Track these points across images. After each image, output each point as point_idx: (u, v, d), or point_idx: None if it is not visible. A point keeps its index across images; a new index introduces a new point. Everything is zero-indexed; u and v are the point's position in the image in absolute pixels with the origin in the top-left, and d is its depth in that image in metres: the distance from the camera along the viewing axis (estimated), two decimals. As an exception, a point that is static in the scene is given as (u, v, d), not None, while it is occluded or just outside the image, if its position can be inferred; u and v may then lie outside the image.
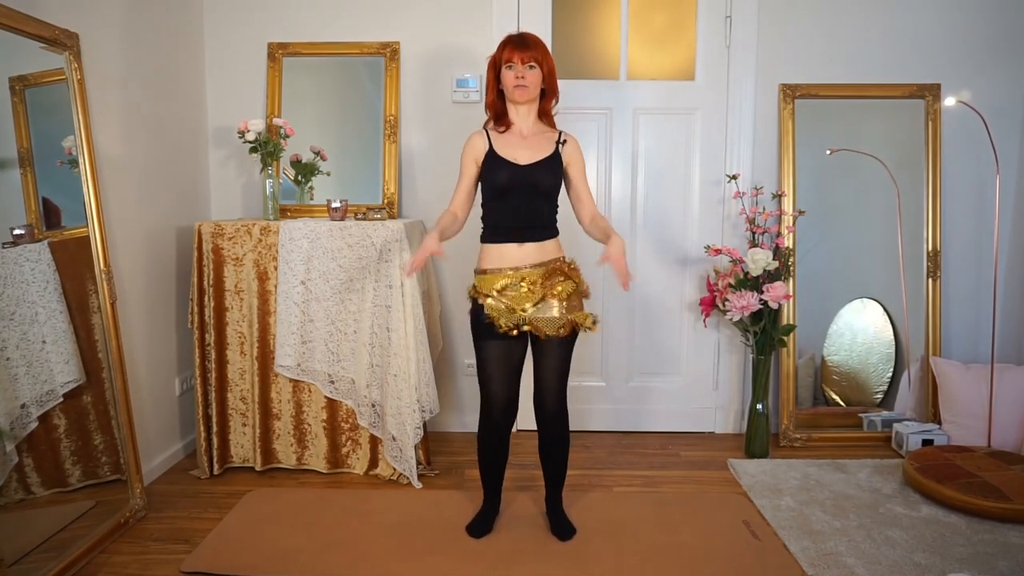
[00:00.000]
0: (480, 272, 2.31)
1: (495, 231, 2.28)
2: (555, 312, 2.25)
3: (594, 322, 2.31)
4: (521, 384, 2.37)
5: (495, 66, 2.26)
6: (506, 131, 2.30)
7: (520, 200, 2.25)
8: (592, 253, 3.34)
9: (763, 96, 3.28)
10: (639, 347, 3.42)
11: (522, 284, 2.24)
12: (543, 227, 2.29)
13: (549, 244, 2.29)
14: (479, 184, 2.34)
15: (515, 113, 2.30)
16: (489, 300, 2.25)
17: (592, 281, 3.30)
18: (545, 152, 2.28)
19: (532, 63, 2.21)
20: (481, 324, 2.26)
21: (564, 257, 2.32)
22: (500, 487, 2.49)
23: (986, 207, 3.27)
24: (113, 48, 2.64)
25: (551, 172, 2.27)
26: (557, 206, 2.34)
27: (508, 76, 2.22)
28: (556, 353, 2.28)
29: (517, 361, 2.31)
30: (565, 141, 2.33)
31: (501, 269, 2.26)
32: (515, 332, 2.23)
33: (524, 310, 2.23)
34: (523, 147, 2.27)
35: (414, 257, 2.13)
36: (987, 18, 3.24)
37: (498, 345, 2.26)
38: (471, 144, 2.31)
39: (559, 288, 2.25)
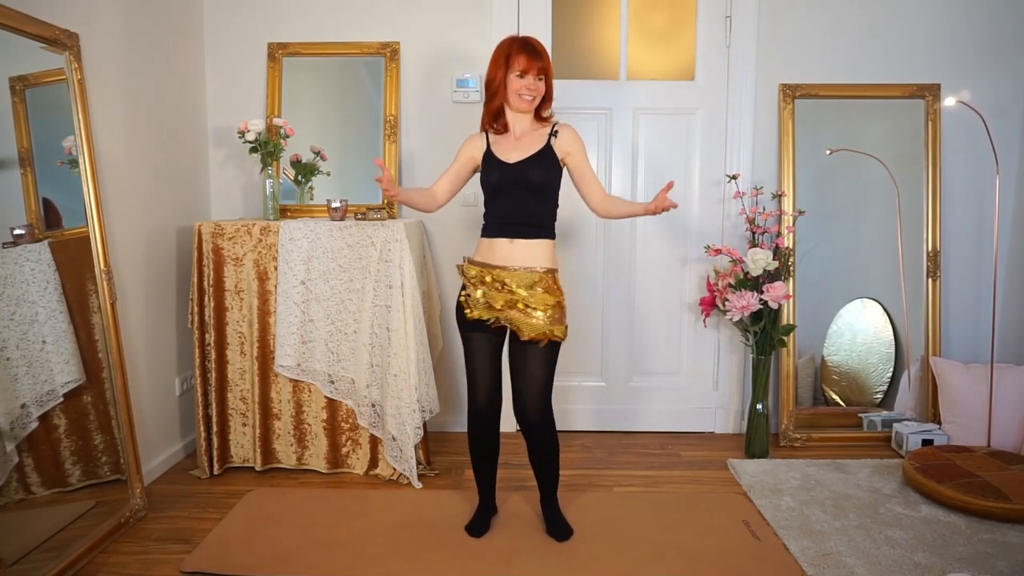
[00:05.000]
0: (470, 261, 2.34)
1: (490, 227, 2.32)
2: (535, 320, 2.22)
3: (564, 330, 2.28)
4: (506, 386, 2.37)
5: (503, 67, 2.26)
6: (503, 132, 2.34)
7: (511, 198, 2.27)
8: (592, 252, 3.35)
9: (763, 96, 3.28)
10: (639, 347, 3.42)
11: (504, 286, 2.23)
12: (535, 226, 2.28)
13: (540, 245, 2.28)
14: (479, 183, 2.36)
15: (512, 116, 2.33)
16: (473, 290, 2.27)
17: (592, 280, 3.34)
18: (535, 148, 2.29)
19: (542, 75, 2.26)
20: (463, 314, 2.30)
21: (555, 271, 2.30)
22: (494, 485, 2.49)
23: (986, 207, 3.27)
24: (113, 48, 2.64)
25: (541, 167, 2.26)
26: (555, 206, 2.34)
27: (517, 84, 2.24)
28: (537, 362, 2.25)
29: (500, 350, 2.34)
30: (557, 132, 2.32)
31: (489, 265, 2.27)
32: (491, 323, 2.25)
33: (505, 311, 2.24)
34: (515, 147, 2.30)
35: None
36: (987, 18, 3.24)
37: (482, 335, 2.30)
38: (472, 140, 2.38)
39: (539, 299, 2.22)
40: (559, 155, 2.31)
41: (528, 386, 2.27)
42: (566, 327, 2.28)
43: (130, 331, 2.69)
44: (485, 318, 2.25)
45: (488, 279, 2.26)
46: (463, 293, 2.31)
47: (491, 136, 2.34)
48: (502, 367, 2.37)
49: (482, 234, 2.35)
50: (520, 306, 2.22)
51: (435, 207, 2.40)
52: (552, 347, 2.26)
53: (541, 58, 2.24)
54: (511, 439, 3.19)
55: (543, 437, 2.34)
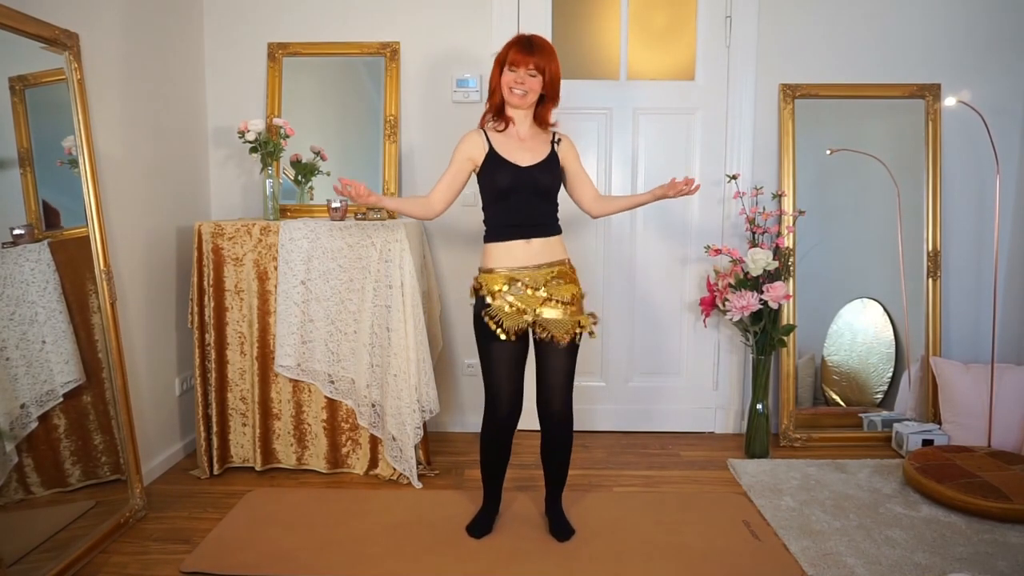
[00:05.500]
0: (487, 271, 2.30)
1: (500, 230, 2.29)
2: (562, 314, 2.26)
3: (594, 324, 2.34)
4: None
5: (500, 64, 2.26)
6: (504, 130, 2.31)
7: (522, 200, 2.26)
8: (592, 252, 3.35)
9: (763, 96, 3.28)
10: (639, 347, 3.42)
11: (529, 286, 2.24)
12: (547, 224, 2.31)
13: (554, 241, 2.31)
14: (479, 186, 2.35)
15: (513, 115, 2.31)
16: (496, 301, 2.24)
17: (592, 281, 3.34)
18: (543, 153, 2.30)
19: (535, 71, 2.22)
20: (486, 325, 2.26)
21: (568, 260, 2.35)
22: (501, 487, 2.48)
23: (986, 207, 3.27)
24: (113, 48, 2.64)
25: (550, 172, 2.29)
26: (557, 204, 2.36)
27: (508, 78, 2.24)
28: (564, 355, 2.29)
29: (522, 359, 2.32)
30: (559, 140, 2.36)
31: (510, 268, 2.26)
32: (514, 336, 2.24)
33: (535, 312, 2.24)
34: (522, 149, 2.29)
35: (354, 183, 2.23)
36: (987, 18, 3.24)
37: (505, 345, 2.26)
38: (469, 141, 2.32)
39: (565, 291, 2.27)
40: (560, 162, 2.34)
41: (554, 381, 2.30)
42: (593, 318, 2.33)
43: (130, 331, 2.69)
44: (518, 327, 2.23)
45: (517, 283, 2.24)
46: (486, 312, 2.25)
47: (491, 135, 2.31)
48: (524, 375, 2.35)
49: (490, 239, 2.31)
50: (552, 303, 2.24)
51: (433, 215, 2.37)
52: (576, 340, 2.29)
53: (535, 53, 2.21)
54: (515, 438, 3.19)
55: (562, 432, 2.35)
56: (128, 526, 2.43)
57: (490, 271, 2.29)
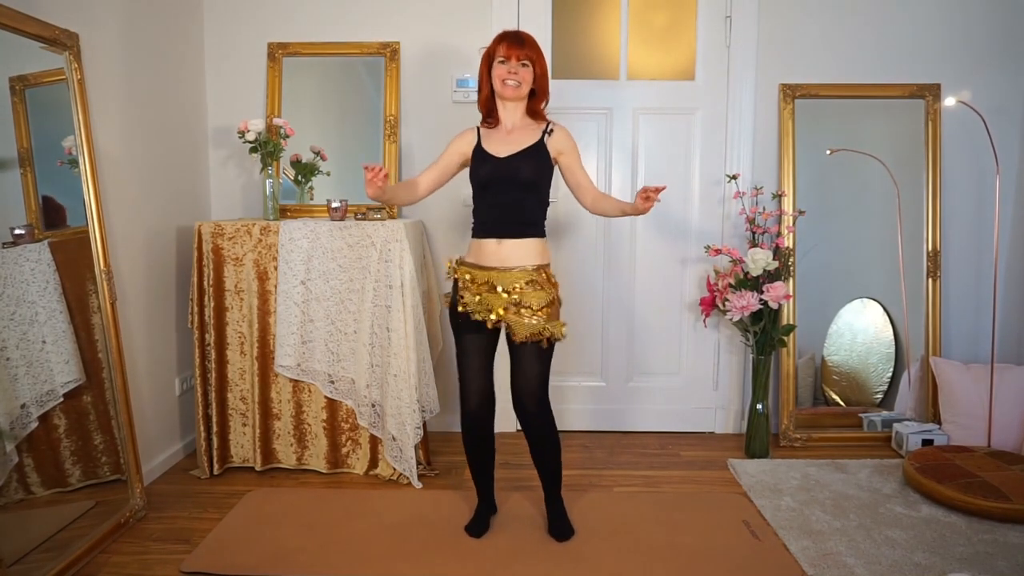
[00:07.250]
0: (461, 263, 2.33)
1: (479, 227, 2.31)
2: (529, 319, 2.20)
3: (562, 328, 2.24)
4: (501, 384, 2.37)
5: (488, 60, 2.27)
6: (494, 127, 2.32)
7: (501, 194, 2.25)
8: (592, 251, 3.35)
9: (763, 96, 3.28)
10: (639, 347, 3.42)
11: (496, 287, 2.22)
12: (525, 224, 2.26)
13: (530, 244, 2.26)
14: (469, 181, 2.35)
15: (503, 109, 2.30)
16: (467, 294, 2.25)
17: (592, 280, 3.34)
18: (528, 143, 2.27)
19: (526, 61, 2.22)
20: (458, 314, 2.28)
21: (546, 265, 2.30)
22: (491, 485, 2.48)
23: (986, 207, 3.27)
24: (113, 48, 2.64)
25: (532, 161, 2.24)
26: (546, 203, 2.33)
27: (500, 71, 2.23)
28: (533, 358, 2.23)
29: (491, 351, 2.34)
30: (552, 131, 2.30)
31: (479, 266, 2.26)
32: (489, 325, 2.24)
33: (498, 312, 2.21)
34: (506, 142, 2.28)
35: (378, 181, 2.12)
36: (987, 18, 3.24)
37: (475, 337, 2.29)
38: (461, 136, 2.36)
39: (534, 298, 2.21)
40: (552, 153, 2.29)
41: (524, 382, 2.26)
42: (564, 325, 2.24)
43: (130, 331, 2.69)
44: (483, 319, 2.24)
45: (480, 281, 2.25)
46: (458, 298, 2.28)
47: (482, 131, 2.33)
48: (494, 368, 2.36)
49: (472, 235, 2.33)
50: (514, 307, 2.21)
51: (415, 199, 2.38)
52: (546, 345, 2.24)
53: (523, 45, 2.21)
54: (512, 439, 3.20)
55: (541, 432, 2.33)
56: (128, 526, 2.43)
57: (463, 263, 2.32)
